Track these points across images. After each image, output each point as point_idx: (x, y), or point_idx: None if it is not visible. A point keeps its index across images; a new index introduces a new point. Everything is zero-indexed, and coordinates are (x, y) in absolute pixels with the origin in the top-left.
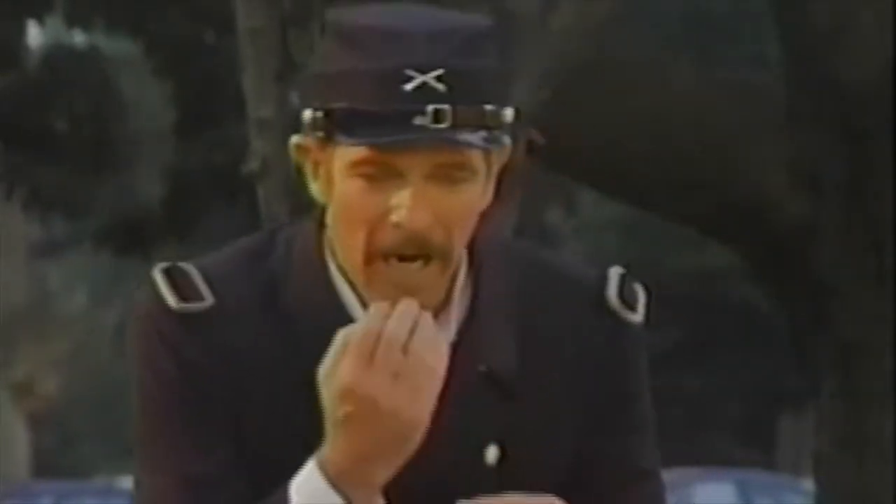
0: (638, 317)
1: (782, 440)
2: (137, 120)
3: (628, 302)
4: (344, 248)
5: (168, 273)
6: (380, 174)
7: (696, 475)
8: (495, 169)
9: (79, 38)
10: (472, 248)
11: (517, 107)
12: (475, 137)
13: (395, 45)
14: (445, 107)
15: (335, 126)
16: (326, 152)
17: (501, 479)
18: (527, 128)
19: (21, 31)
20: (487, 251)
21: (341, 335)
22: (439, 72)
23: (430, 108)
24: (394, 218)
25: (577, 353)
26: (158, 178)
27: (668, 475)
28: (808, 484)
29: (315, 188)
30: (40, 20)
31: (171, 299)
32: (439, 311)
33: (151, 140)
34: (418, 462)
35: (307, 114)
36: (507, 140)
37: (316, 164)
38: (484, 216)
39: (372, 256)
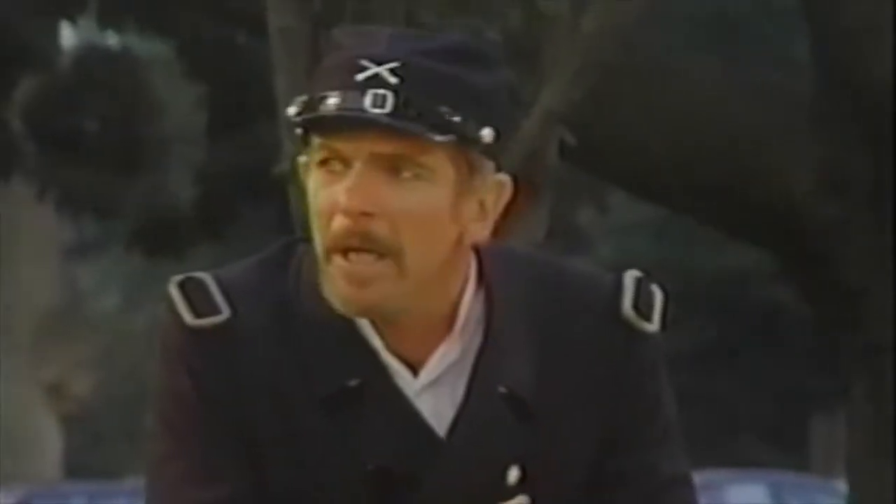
0: (653, 326)
1: (815, 442)
2: (169, 121)
3: (644, 312)
4: (318, 251)
5: (183, 286)
6: (335, 165)
7: (729, 477)
8: (488, 199)
9: (111, 39)
10: (480, 263)
11: (549, 110)
12: (413, 126)
13: (360, 41)
14: (385, 92)
15: (301, 118)
16: (311, 160)
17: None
18: (559, 129)
19: (54, 33)
20: (496, 265)
21: None
22: (394, 64)
23: (371, 92)
24: (339, 200)
25: (593, 366)
26: (190, 180)
27: (700, 477)
28: (841, 485)
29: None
30: (73, 21)
31: (186, 315)
32: (445, 327)
33: (183, 141)
34: (441, 485)
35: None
36: (487, 164)
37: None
38: (496, 232)
39: (329, 251)
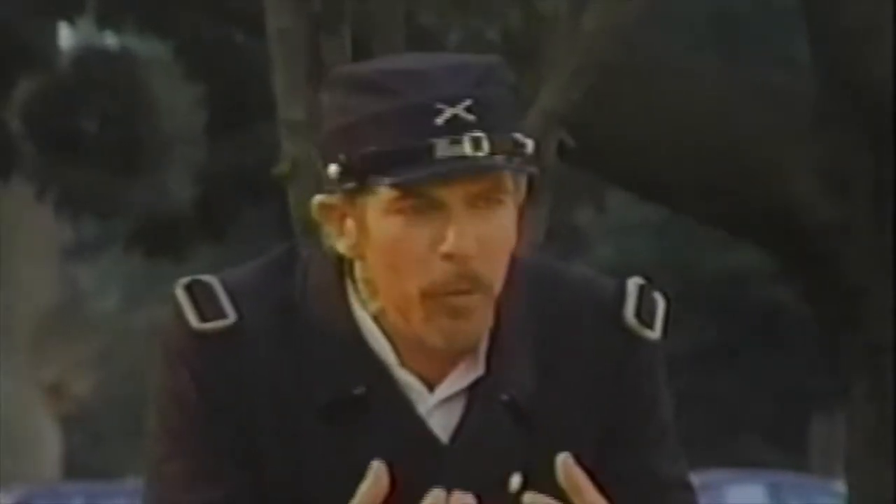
0: (655, 334)
1: (814, 442)
2: (168, 121)
3: (646, 319)
4: (390, 291)
5: (190, 289)
6: (420, 207)
7: (728, 477)
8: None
9: (110, 39)
10: None
11: (549, 110)
12: (510, 162)
13: (419, 83)
14: (482, 134)
15: (370, 171)
16: (357, 203)
17: None
18: (558, 129)
19: (53, 33)
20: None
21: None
22: (467, 102)
23: (468, 136)
24: (443, 249)
25: (593, 372)
26: (189, 180)
27: (700, 477)
28: (840, 486)
29: (343, 245)
30: (72, 22)
31: (192, 318)
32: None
33: (182, 142)
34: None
35: (332, 168)
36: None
37: (342, 220)
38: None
39: (427, 293)
